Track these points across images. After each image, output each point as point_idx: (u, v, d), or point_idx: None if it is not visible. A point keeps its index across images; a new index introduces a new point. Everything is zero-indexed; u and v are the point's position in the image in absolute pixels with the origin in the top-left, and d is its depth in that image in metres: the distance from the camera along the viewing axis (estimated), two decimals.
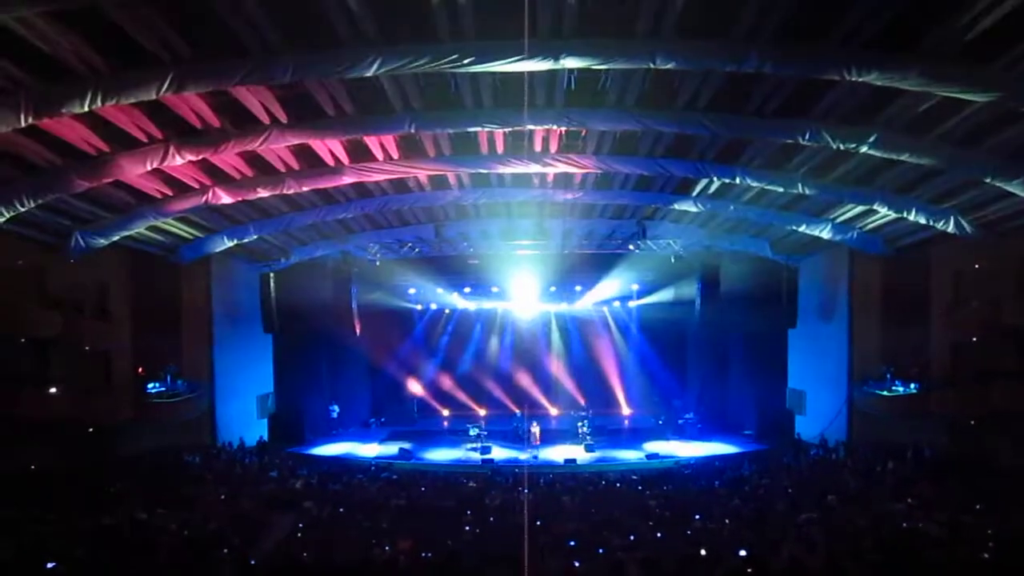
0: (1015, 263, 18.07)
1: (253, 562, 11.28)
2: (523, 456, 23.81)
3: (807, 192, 17.01)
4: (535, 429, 25.70)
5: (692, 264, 26.60)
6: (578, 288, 30.47)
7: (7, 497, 14.37)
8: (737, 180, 16.85)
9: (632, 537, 12.47)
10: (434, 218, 23.49)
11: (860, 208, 18.17)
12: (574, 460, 23.01)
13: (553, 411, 31.05)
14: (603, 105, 13.53)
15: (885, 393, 20.84)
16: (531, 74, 11.84)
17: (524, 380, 31.58)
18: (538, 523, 13.39)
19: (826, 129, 13.27)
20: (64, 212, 16.42)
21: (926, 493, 15.39)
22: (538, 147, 16.16)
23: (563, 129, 14.58)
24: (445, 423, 31.03)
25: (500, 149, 16.35)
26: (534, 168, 17.01)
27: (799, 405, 25.32)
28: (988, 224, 17.00)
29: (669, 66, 10.97)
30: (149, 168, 14.31)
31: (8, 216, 14.53)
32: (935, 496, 15.08)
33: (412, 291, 30.53)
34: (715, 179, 17.36)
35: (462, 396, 32.24)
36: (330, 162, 16.46)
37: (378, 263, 26.73)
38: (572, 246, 25.44)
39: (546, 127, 14.42)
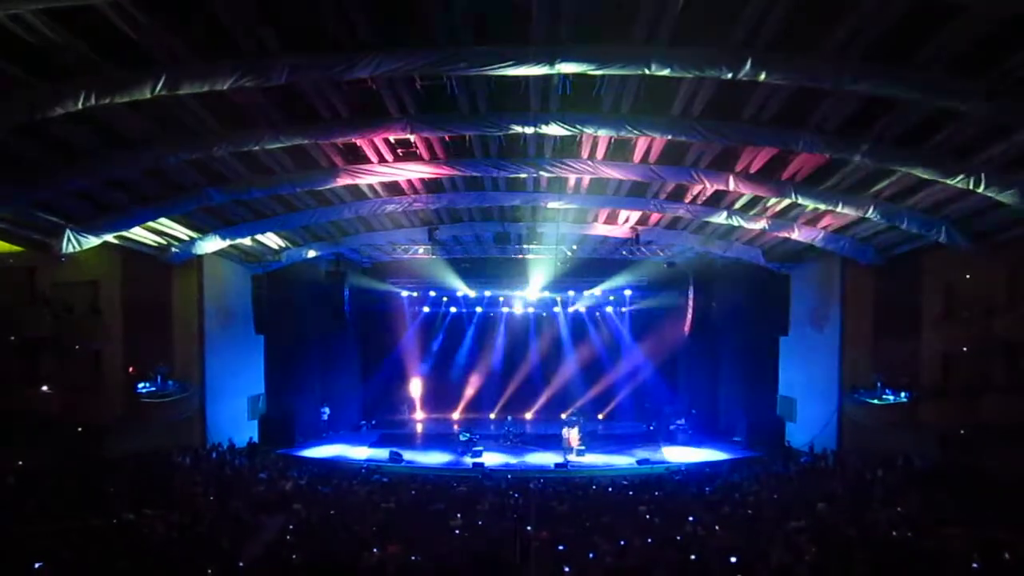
0: (1007, 274, 18.13)
1: (241, 564, 11.24)
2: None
3: (800, 200, 17.07)
4: (573, 433, 24.71)
5: (685, 270, 26.69)
6: (571, 293, 30.56)
7: None
8: (731, 187, 16.89)
9: (622, 543, 12.45)
10: (427, 221, 23.46)
11: (853, 217, 18.22)
12: (565, 465, 23.00)
13: (545, 416, 31.00)
14: (598, 111, 13.55)
15: (875, 402, 20.82)
16: (527, 78, 11.88)
17: (516, 384, 31.55)
18: (528, 528, 13.38)
19: (820, 138, 13.30)
20: (56, 210, 16.32)
21: (915, 503, 15.42)
22: (532, 152, 16.17)
23: (558, 134, 14.58)
24: (436, 427, 30.94)
25: (495, 153, 16.35)
26: (528, 172, 17.03)
27: (790, 413, 25.34)
28: (980, 235, 17.06)
29: (664, 72, 10.99)
30: (143, 167, 14.26)
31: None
32: (924, 506, 15.11)
33: (404, 294, 30.52)
34: (709, 186, 17.39)
35: (453, 400, 32.22)
36: (324, 164, 16.45)
37: (371, 265, 26.75)
38: (565, 251, 25.46)
39: (541, 131, 14.43)
